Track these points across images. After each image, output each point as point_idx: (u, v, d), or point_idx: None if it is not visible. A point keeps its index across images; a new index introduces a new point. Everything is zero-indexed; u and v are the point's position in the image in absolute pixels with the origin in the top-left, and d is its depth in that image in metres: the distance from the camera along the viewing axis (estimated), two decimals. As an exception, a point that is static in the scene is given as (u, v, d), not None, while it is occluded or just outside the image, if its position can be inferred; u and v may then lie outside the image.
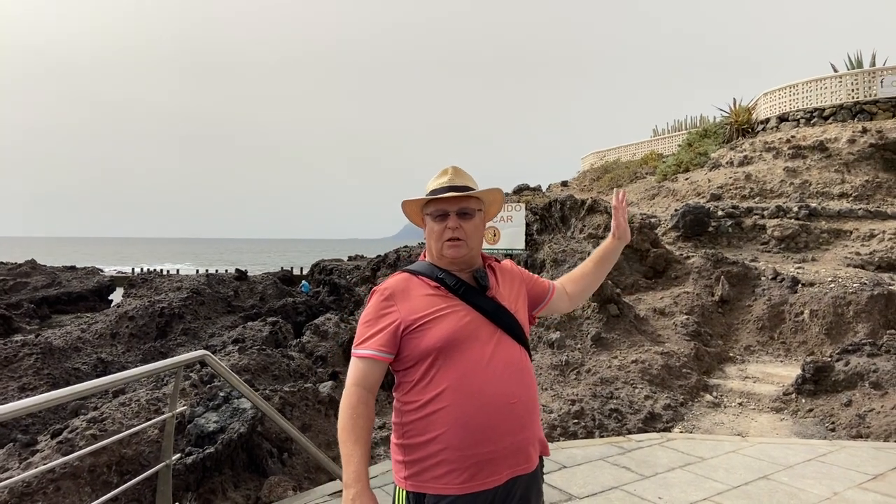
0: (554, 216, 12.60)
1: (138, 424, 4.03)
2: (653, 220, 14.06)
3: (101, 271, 30.05)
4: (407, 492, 1.83)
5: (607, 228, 11.64)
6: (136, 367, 3.66)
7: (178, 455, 3.76)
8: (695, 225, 13.34)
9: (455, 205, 1.96)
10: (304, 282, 17.31)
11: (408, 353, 1.86)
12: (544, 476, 2.01)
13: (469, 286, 1.94)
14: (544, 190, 23.71)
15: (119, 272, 41.18)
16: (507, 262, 2.19)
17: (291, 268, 30.57)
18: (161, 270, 31.76)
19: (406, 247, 15.69)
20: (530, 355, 2.02)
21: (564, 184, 27.43)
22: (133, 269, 42.44)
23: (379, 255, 16.35)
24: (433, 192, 1.99)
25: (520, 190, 20.43)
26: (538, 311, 2.19)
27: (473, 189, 2.00)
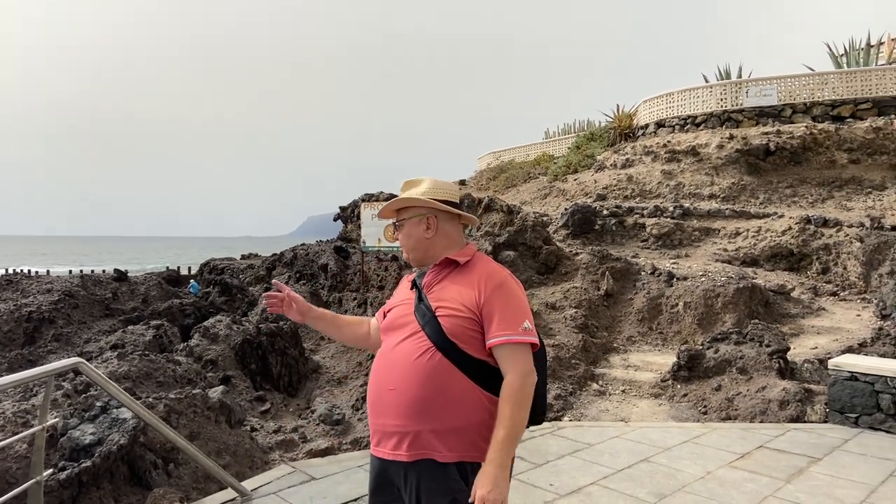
0: (450, 214, 12.75)
1: (4, 439, 3.69)
2: (545, 218, 14.61)
3: (-43, 273, 27.08)
4: None
5: (503, 226, 11.95)
6: (1, 376, 3.34)
7: (49, 471, 3.48)
8: (583, 223, 14.00)
9: (391, 218, 2.25)
10: (192, 282, 16.43)
11: None
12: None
13: (416, 283, 2.15)
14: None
15: (-22, 274, 37.28)
16: (486, 269, 2.08)
17: (178, 267, 28.98)
18: (28, 271, 29.11)
19: (303, 245, 15.29)
20: (456, 355, 1.94)
21: (462, 182, 27.88)
22: (-5, 271, 38.60)
23: (275, 254, 15.82)
24: None
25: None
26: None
27: (408, 199, 2.17)
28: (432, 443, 1.93)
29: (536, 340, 2.03)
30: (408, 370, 1.96)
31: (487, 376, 1.97)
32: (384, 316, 2.23)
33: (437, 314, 1.98)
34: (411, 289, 2.16)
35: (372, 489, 2.12)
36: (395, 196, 2.25)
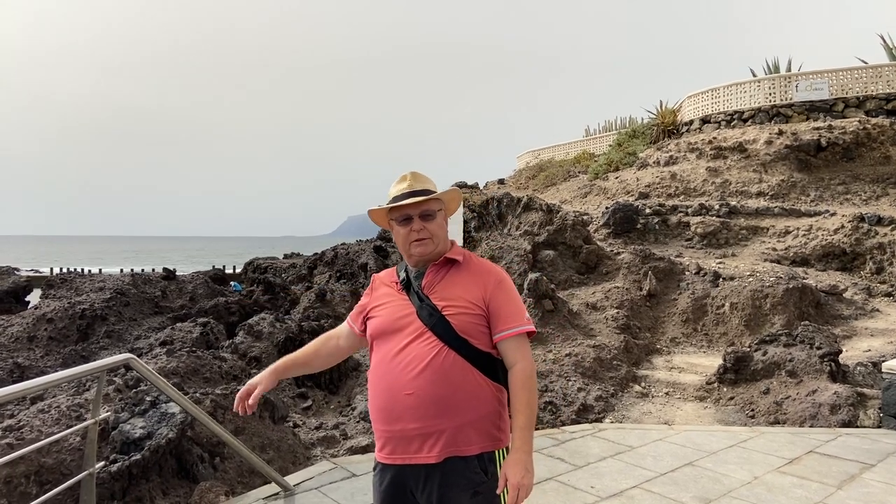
0: (491, 213, 12.74)
1: (59, 432, 3.84)
2: (585, 217, 14.43)
3: (17, 271, 28.26)
4: None
5: (542, 225, 11.87)
6: (56, 371, 3.48)
7: (101, 463, 3.60)
8: (624, 222, 13.77)
9: (417, 209, 2.12)
10: (233, 282, 16.80)
11: (367, 333, 2.19)
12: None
13: (409, 282, 2.12)
14: (481, 187, 23.91)
15: (36, 272, 38.91)
16: (482, 266, 2.17)
17: (223, 266, 29.65)
18: (82, 270, 30.23)
19: (344, 244, 15.48)
20: (468, 351, 2.00)
21: (501, 182, 27.75)
22: (52, 269, 40.20)
23: (316, 253, 16.06)
24: (395, 198, 2.16)
25: (458, 187, 20.51)
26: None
27: (432, 191, 2.16)
28: (458, 439, 1.97)
29: (534, 328, 2.15)
30: (423, 372, 1.97)
31: (492, 367, 2.06)
32: (363, 320, 2.22)
33: (444, 313, 2.02)
34: (400, 290, 2.14)
35: (382, 500, 2.06)
36: (421, 193, 2.15)
